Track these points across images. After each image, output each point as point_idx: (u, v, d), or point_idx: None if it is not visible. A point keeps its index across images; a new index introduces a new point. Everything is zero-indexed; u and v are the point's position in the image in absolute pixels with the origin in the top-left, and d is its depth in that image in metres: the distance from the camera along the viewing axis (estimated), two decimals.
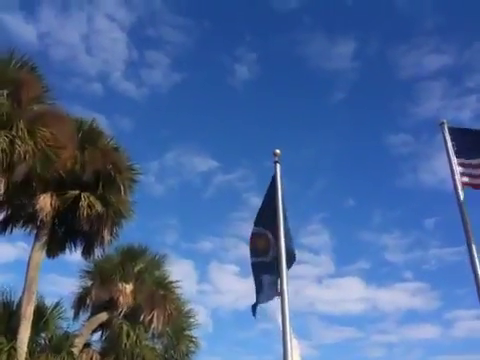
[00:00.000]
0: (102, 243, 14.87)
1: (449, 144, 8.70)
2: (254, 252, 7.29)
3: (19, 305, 13.41)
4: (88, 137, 14.61)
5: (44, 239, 14.04)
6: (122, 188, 14.68)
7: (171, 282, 17.17)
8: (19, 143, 12.07)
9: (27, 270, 13.68)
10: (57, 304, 14.99)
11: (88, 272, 16.68)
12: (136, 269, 16.73)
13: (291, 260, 6.99)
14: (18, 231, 14.89)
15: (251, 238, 7.44)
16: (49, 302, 15.04)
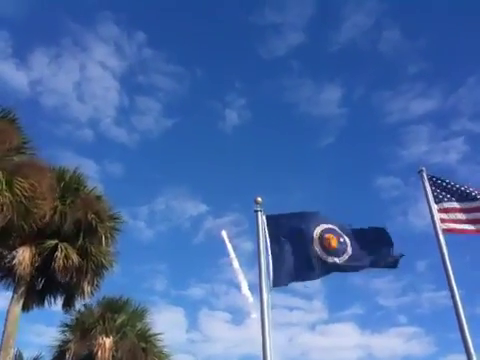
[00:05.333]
0: (82, 295, 14.52)
1: (428, 191, 8.89)
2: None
3: None
4: (70, 186, 14.57)
5: (22, 293, 13.66)
6: (103, 238, 14.48)
7: (153, 334, 16.66)
8: None
9: (5, 325, 13.24)
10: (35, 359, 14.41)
11: (68, 325, 16.15)
12: (118, 322, 16.24)
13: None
14: None
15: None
16: (29, 355, 14.48)
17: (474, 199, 8.71)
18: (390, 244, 7.17)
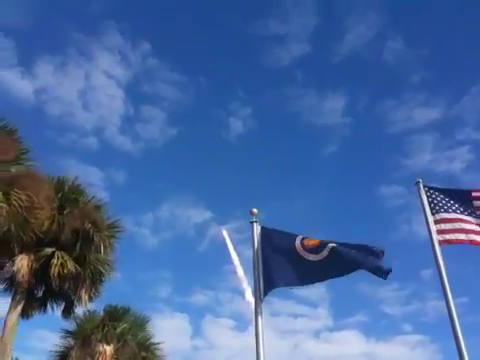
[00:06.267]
0: (80, 303, 14.68)
1: (425, 202, 8.82)
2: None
3: None
4: (69, 196, 14.79)
5: (21, 300, 13.95)
6: (102, 246, 14.63)
7: (154, 343, 16.70)
8: None
9: (3, 332, 13.53)
10: None
11: (69, 332, 16.40)
12: (118, 330, 16.37)
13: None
14: None
15: None
16: None
17: (470, 214, 8.61)
18: (378, 255, 6.75)
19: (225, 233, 64.15)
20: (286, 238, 7.46)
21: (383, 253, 6.74)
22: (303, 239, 7.19)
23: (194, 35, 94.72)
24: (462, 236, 8.49)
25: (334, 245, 6.85)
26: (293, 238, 7.32)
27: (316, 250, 6.96)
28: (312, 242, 7.10)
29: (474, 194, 8.72)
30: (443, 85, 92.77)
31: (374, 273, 6.77)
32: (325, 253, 6.86)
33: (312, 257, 6.97)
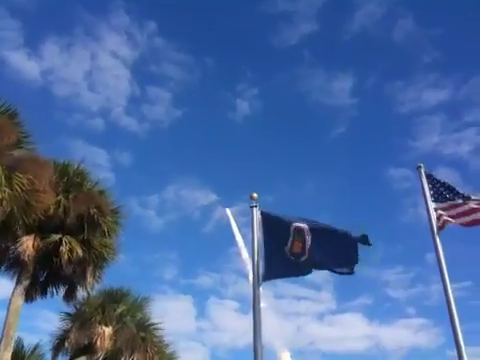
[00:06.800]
0: (84, 286, 14.79)
1: (426, 188, 8.91)
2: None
3: None
4: (73, 181, 14.69)
5: (25, 283, 13.92)
6: (106, 231, 14.68)
7: (153, 324, 17.01)
8: None
9: (6, 315, 13.52)
10: (35, 348, 14.82)
11: (69, 314, 16.49)
12: (117, 312, 16.60)
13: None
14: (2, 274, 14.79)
15: None
16: (31, 342, 14.78)
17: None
18: (352, 253, 6.83)
19: (229, 212, 63.37)
20: (283, 229, 7.39)
21: (365, 240, 6.65)
22: (292, 243, 7.21)
23: (201, 14, 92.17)
24: (465, 219, 8.49)
25: (311, 244, 6.99)
26: (287, 235, 7.28)
27: (301, 254, 7.09)
28: (297, 248, 7.17)
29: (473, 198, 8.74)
30: (453, 66, 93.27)
31: (340, 273, 6.96)
32: (306, 256, 7.02)
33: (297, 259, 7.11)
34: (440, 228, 8.38)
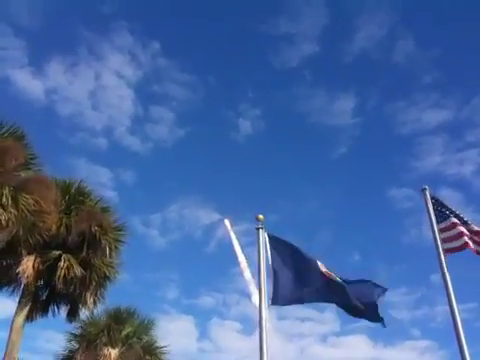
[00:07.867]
0: (85, 306, 14.70)
1: (431, 210, 8.97)
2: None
3: None
4: (75, 198, 14.84)
5: (27, 302, 13.97)
6: (107, 249, 14.66)
7: (159, 347, 16.68)
8: (1, 211, 12.30)
9: (9, 334, 13.55)
10: None
11: (74, 335, 16.38)
12: (123, 333, 16.35)
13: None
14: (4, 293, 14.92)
15: None
16: None
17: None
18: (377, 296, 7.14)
19: (228, 223, 62.08)
20: (297, 248, 7.54)
21: (384, 292, 7.09)
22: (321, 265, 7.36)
23: (204, 35, 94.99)
24: (465, 240, 8.50)
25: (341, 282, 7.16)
26: (308, 256, 7.49)
27: (328, 279, 7.26)
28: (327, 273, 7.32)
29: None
30: (454, 86, 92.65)
31: (372, 321, 7.17)
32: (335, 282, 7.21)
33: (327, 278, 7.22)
34: (446, 251, 8.33)
